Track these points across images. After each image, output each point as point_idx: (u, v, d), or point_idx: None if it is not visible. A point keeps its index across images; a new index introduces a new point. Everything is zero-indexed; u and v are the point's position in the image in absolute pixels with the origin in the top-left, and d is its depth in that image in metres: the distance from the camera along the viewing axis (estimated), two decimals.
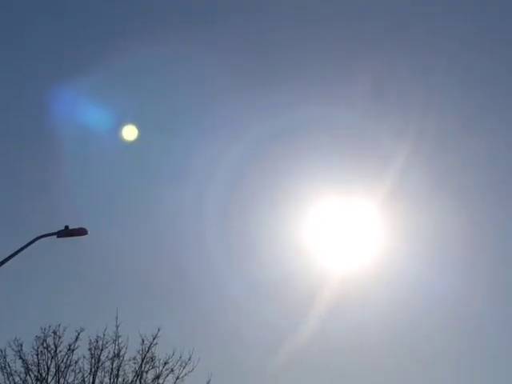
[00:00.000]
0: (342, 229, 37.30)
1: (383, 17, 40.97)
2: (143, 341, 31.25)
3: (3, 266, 20.71)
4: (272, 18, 40.59)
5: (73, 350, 30.99)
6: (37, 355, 30.79)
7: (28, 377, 30.69)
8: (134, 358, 31.32)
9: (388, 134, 38.54)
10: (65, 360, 30.89)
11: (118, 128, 36.02)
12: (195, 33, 38.51)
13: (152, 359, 31.41)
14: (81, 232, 21.49)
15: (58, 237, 21.43)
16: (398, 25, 40.62)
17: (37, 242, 21.06)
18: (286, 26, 40.56)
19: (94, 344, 31.12)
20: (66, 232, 21.43)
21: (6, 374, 30.65)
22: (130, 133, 35.48)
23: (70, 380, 30.80)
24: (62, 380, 30.73)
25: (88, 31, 42.29)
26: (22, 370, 30.74)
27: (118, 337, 31.24)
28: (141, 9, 41.65)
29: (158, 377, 31.29)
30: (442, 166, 40.66)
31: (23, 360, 30.77)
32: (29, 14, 41.12)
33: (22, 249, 21.00)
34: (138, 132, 35.95)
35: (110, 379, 31.01)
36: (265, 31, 41.04)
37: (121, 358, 31.22)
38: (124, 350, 31.30)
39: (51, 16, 41.66)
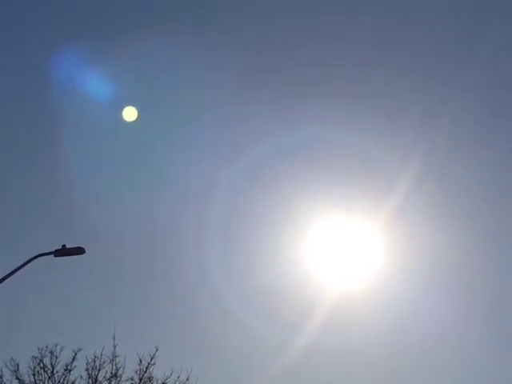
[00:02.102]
0: (343, 247, 37.34)
1: (391, 42, 41.25)
2: (141, 361, 31.11)
3: (0, 285, 20.63)
4: (285, 36, 40.79)
5: (70, 371, 30.72)
6: (33, 375, 30.50)
7: None
8: (132, 378, 31.08)
9: (393, 156, 38.59)
10: (62, 380, 30.63)
11: (118, 107, 36.21)
12: (206, 30, 38.68)
13: (150, 379, 31.17)
14: (78, 251, 21.60)
15: (55, 256, 21.48)
16: (409, 48, 40.91)
17: (34, 261, 21.03)
18: (298, 44, 40.77)
19: (92, 364, 30.84)
20: (64, 251, 21.57)
21: None
22: (129, 114, 35.55)
23: None
24: None
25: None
26: None
27: (115, 357, 31.00)
28: None
29: None
30: (447, 191, 40.76)
31: (20, 380, 30.48)
32: None
33: (19, 268, 20.96)
34: (138, 114, 36.05)
35: None
36: (277, 48, 41.28)
37: (118, 378, 30.99)
38: (121, 369, 31.04)
39: None
